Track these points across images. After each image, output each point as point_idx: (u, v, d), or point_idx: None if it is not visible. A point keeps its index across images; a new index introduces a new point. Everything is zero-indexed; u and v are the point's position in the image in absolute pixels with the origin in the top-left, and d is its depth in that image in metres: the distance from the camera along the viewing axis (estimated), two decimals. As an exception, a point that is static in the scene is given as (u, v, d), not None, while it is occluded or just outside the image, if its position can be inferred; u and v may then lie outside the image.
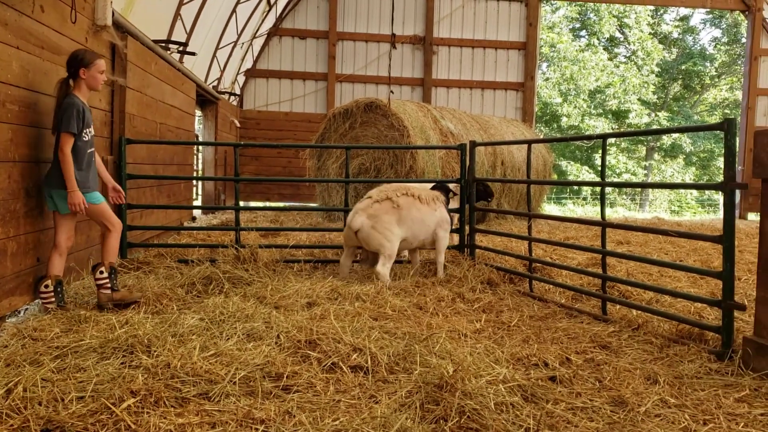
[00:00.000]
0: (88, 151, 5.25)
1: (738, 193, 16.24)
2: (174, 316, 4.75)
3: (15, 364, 3.75)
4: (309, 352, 4.16)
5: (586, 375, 4.01)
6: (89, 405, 3.19)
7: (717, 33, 36.52)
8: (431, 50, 18.19)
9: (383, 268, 6.37)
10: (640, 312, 5.45)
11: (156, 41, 8.90)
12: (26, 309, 5.31)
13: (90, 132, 5.26)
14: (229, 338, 4.34)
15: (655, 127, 32.74)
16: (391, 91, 12.13)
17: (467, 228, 7.84)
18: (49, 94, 5.46)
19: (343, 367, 3.94)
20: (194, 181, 13.60)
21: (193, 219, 12.74)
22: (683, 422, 3.29)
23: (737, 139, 15.85)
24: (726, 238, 4.43)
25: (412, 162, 11.78)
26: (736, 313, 4.73)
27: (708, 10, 31.15)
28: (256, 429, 3.09)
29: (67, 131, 4.96)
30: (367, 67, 18.14)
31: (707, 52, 35.86)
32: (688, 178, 34.67)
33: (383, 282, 6.22)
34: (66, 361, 3.86)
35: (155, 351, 3.98)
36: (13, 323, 4.84)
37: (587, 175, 33.27)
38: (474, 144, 7.77)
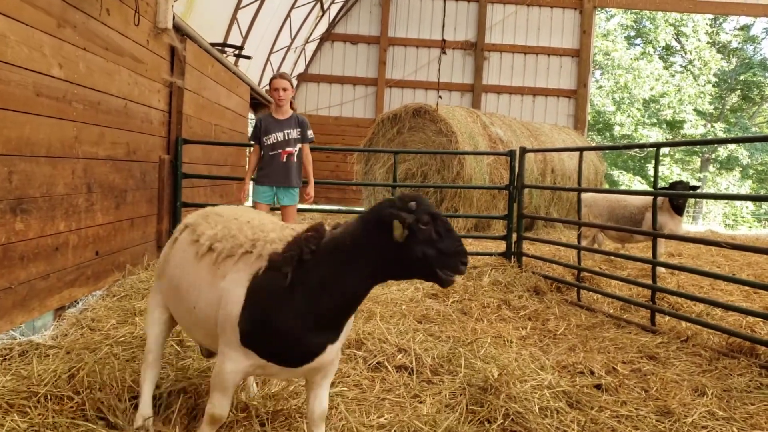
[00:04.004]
0: (271, 153, 6.26)
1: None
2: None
3: (75, 352, 3.92)
4: (355, 351, 4.23)
5: (632, 384, 3.98)
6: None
7: (779, 42, 35.50)
8: (482, 56, 18.15)
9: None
10: (689, 324, 5.36)
11: (213, 44, 9.13)
12: (84, 300, 5.51)
13: (273, 137, 6.27)
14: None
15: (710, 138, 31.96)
16: (440, 96, 12.14)
17: (515, 235, 7.81)
18: (113, 94, 5.68)
19: (388, 366, 4.00)
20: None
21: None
22: (731, 435, 3.25)
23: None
24: (781, 251, 4.34)
25: (459, 168, 11.78)
26: (790, 329, 4.63)
27: (769, 18, 30.29)
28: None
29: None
30: (416, 72, 18.20)
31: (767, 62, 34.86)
32: (744, 191, 33.70)
33: None
34: (120, 351, 4.02)
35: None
36: (72, 313, 5.04)
37: (639, 185, 32.67)
38: (524, 150, 7.74)
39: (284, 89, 6.23)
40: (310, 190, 6.57)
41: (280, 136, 6.30)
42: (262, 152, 6.35)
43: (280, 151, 6.29)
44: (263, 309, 2.53)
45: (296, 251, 2.56)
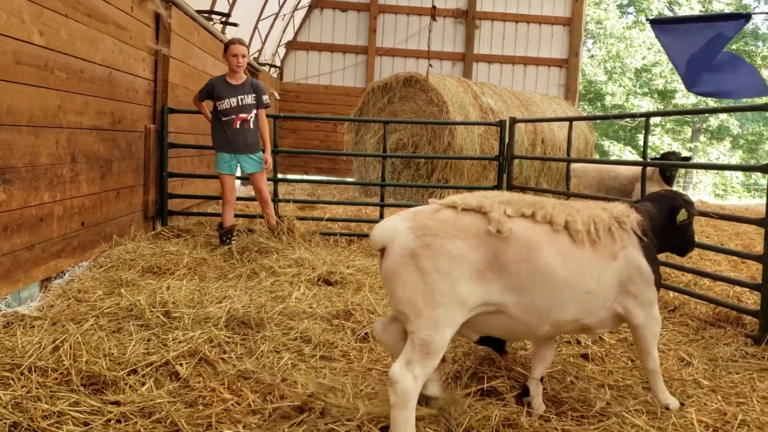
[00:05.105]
0: (224, 119, 6.25)
1: (786, 177, 15.74)
2: (212, 285, 4.87)
3: (60, 323, 3.89)
4: (343, 322, 4.23)
5: (619, 354, 4.00)
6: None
7: (771, 11, 35.30)
8: (473, 24, 17.95)
9: (403, 370, 2.62)
10: (677, 294, 5.39)
11: (199, 11, 8.96)
12: (71, 271, 5.47)
13: (226, 103, 6.24)
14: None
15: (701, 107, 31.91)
16: (430, 65, 11.98)
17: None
18: (97, 62, 5.58)
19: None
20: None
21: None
22: (715, 404, 3.27)
23: (787, 122, 15.30)
24: (769, 221, 4.34)
25: (450, 138, 11.71)
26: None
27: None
28: (295, 391, 3.15)
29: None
30: (407, 40, 17.98)
31: (760, 32, 34.70)
32: (735, 161, 33.81)
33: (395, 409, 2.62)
34: (106, 322, 4.00)
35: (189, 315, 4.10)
36: (58, 284, 5.00)
37: (630, 155, 32.69)
38: (514, 120, 7.70)
39: (243, 56, 6.23)
40: (267, 156, 6.46)
41: (233, 101, 6.25)
42: (217, 117, 6.30)
43: (233, 117, 6.24)
44: (657, 273, 3.13)
45: (650, 224, 3.20)
